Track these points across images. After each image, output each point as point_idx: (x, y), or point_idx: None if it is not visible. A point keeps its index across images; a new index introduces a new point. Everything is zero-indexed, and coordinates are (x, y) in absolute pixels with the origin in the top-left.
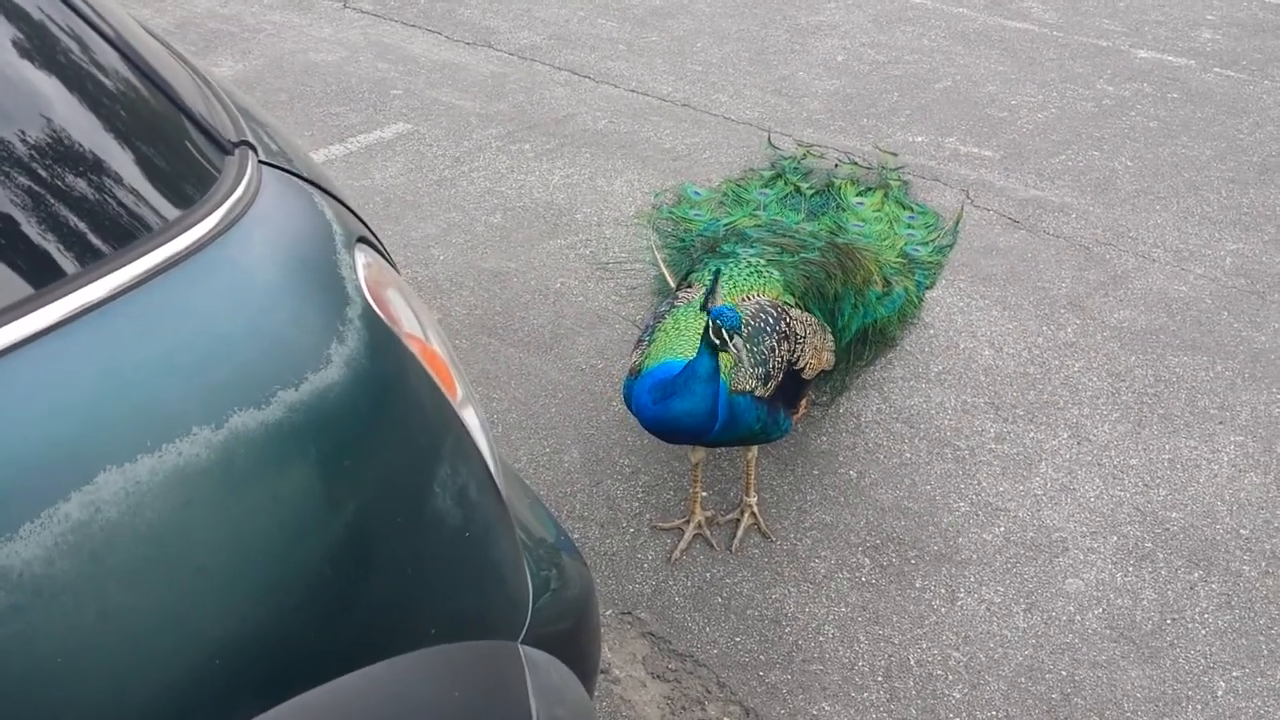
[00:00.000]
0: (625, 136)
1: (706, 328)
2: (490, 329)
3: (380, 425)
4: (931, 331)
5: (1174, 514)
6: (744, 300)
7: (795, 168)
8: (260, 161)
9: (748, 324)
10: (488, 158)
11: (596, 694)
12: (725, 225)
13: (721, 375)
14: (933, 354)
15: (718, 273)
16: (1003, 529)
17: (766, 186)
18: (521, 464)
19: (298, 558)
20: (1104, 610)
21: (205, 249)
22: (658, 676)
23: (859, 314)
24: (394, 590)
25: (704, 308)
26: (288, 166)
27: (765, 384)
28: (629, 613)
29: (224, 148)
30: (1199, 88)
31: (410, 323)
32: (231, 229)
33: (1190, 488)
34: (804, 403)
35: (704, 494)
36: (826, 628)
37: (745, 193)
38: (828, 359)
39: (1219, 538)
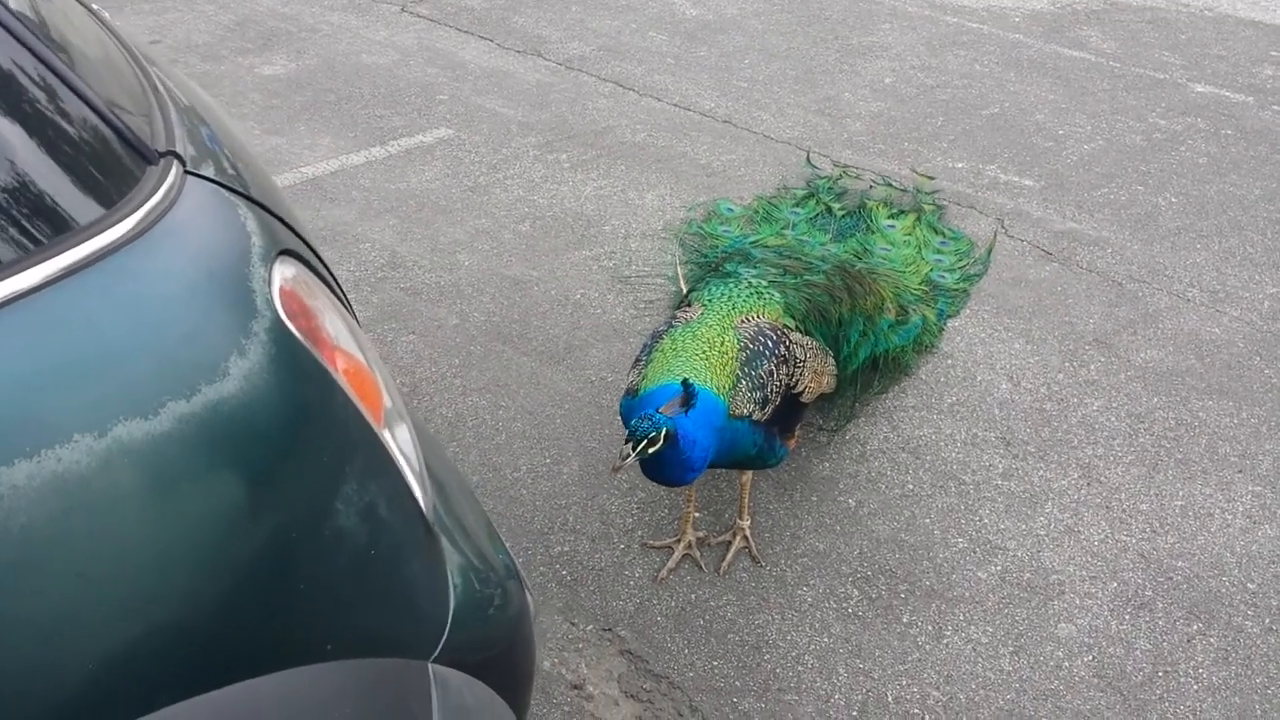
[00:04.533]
0: (662, 150)
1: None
2: (506, 336)
3: (277, 439)
4: (949, 361)
5: (1179, 563)
6: (743, 322)
7: (829, 188)
8: (186, 171)
9: (745, 347)
10: (524, 166)
11: (567, 710)
12: (750, 243)
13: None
14: (948, 384)
15: (685, 383)
16: (999, 568)
17: (798, 205)
18: (520, 474)
19: (181, 567)
20: (1094, 658)
21: (109, 257)
22: (631, 696)
23: (868, 341)
24: (284, 605)
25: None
26: (216, 177)
27: (763, 408)
28: (609, 629)
29: (148, 157)
30: (1255, 125)
31: (341, 338)
32: (140, 238)
33: (1200, 536)
34: (795, 435)
35: (697, 514)
36: (806, 657)
37: (776, 211)
38: (828, 382)
39: (1224, 590)
